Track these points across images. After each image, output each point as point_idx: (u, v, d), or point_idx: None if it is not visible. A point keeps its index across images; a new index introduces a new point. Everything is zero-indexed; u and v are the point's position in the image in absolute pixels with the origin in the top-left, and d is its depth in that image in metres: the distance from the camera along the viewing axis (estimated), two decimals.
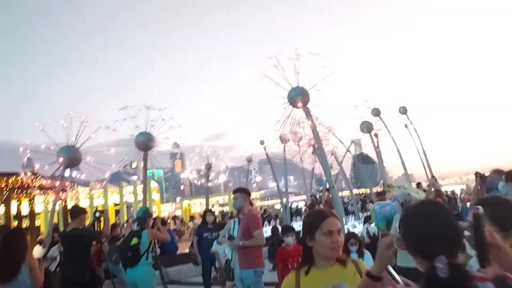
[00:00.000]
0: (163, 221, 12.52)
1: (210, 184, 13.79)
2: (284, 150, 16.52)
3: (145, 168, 11.63)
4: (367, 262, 6.41)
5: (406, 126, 18.69)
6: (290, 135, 10.65)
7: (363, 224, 12.55)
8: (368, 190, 28.43)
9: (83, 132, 10.33)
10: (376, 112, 17.22)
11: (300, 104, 8.01)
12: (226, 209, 34.75)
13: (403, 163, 17.78)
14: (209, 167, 13.33)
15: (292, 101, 8.14)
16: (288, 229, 5.90)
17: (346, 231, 11.28)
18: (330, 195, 19.12)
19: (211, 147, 13.85)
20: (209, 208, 15.06)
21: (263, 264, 5.28)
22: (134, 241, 6.08)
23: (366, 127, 15.94)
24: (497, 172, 6.00)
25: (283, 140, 16.09)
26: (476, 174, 7.48)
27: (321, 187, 30.77)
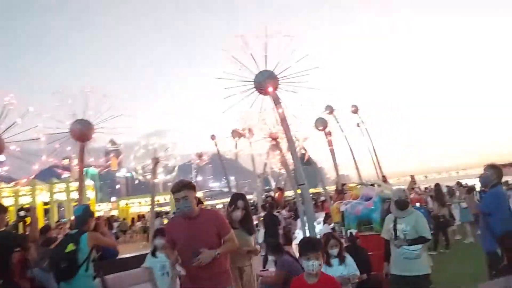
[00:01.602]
0: (109, 223, 11.00)
1: (156, 180, 12.48)
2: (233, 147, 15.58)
3: (81, 161, 10.11)
4: (350, 267, 5.65)
5: (358, 125, 18.55)
6: (252, 127, 9.70)
7: (323, 224, 11.93)
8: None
9: (7, 116, 8.75)
10: (330, 109, 16.85)
11: (270, 89, 7.08)
12: (167, 209, 32.98)
13: (355, 163, 17.55)
14: (156, 161, 12.01)
15: (260, 86, 7.20)
16: (310, 247, 3.57)
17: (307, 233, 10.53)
18: (280, 194, 18.67)
19: (157, 141, 12.54)
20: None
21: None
22: (70, 247, 4.78)
23: (321, 124, 15.39)
24: (492, 167, 5.55)
25: (235, 135, 15.18)
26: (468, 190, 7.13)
27: (267, 187, 30.16)
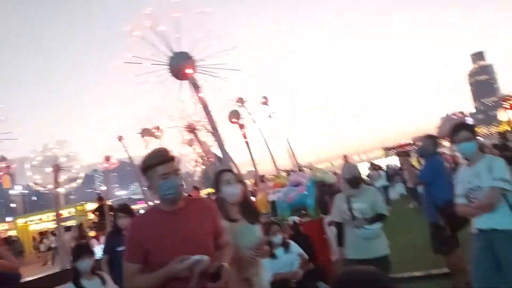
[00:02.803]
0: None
1: (61, 190, 10.95)
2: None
3: None
4: (295, 253, 5.20)
5: (270, 116, 18.38)
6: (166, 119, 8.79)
7: None
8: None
9: None
10: (241, 101, 16.44)
11: (190, 71, 6.37)
12: (71, 223, 30.03)
13: (271, 153, 17.42)
14: (58, 169, 10.51)
15: (177, 70, 6.44)
16: None
17: None
18: (197, 194, 17.85)
19: (58, 145, 10.97)
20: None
21: None
22: None
23: (235, 116, 14.94)
24: (430, 137, 5.52)
25: (145, 134, 14.04)
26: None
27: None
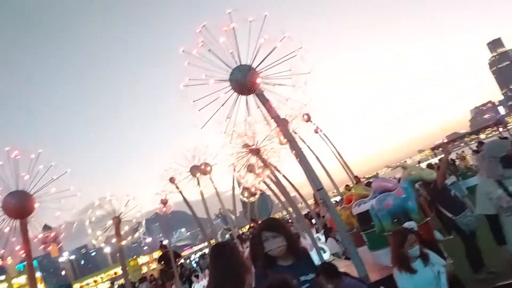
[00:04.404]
0: None
1: (124, 242, 10.37)
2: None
3: (26, 241, 7.99)
4: (438, 264, 4.34)
5: (316, 131, 17.58)
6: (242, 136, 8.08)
7: (325, 240, 10.65)
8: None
9: None
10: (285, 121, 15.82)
11: (259, 80, 5.77)
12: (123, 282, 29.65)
13: (326, 170, 16.56)
14: (118, 221, 9.98)
15: (241, 85, 5.85)
16: None
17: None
18: (256, 225, 17.26)
19: (113, 196, 10.49)
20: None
21: None
22: None
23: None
24: None
25: (196, 171, 13.46)
26: None
27: (228, 226, 28.53)
